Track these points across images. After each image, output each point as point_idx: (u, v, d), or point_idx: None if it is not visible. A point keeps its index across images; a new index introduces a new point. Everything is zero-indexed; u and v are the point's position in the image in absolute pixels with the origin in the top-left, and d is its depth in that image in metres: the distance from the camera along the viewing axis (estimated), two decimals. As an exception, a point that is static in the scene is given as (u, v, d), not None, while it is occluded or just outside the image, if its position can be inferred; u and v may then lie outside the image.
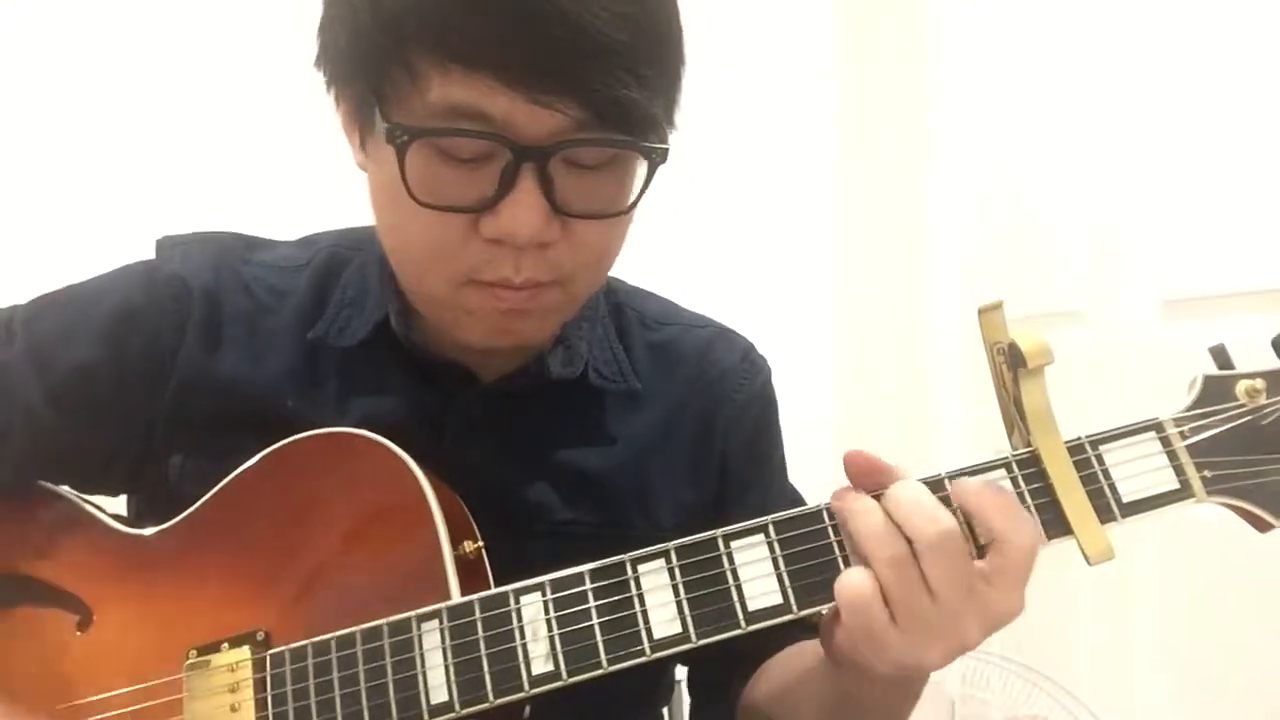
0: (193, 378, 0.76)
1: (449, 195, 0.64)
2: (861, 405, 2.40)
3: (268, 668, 0.65)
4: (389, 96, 0.63)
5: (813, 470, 0.94)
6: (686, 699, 0.92)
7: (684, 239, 2.12)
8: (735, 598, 0.60)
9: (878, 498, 0.59)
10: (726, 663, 0.81)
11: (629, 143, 0.65)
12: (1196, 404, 0.61)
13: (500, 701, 0.61)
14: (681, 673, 0.91)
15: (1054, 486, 0.60)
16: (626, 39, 0.61)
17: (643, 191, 0.68)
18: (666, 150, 0.67)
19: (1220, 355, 0.62)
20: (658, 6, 0.64)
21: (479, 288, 0.67)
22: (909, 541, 0.57)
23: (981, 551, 0.58)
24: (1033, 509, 0.60)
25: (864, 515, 0.58)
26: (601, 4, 0.60)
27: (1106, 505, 0.60)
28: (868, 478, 0.61)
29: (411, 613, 0.63)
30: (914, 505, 0.58)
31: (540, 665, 0.61)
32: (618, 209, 0.68)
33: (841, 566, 0.60)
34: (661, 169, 0.68)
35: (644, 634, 0.60)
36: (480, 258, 0.66)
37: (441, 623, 0.63)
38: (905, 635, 0.57)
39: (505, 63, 0.60)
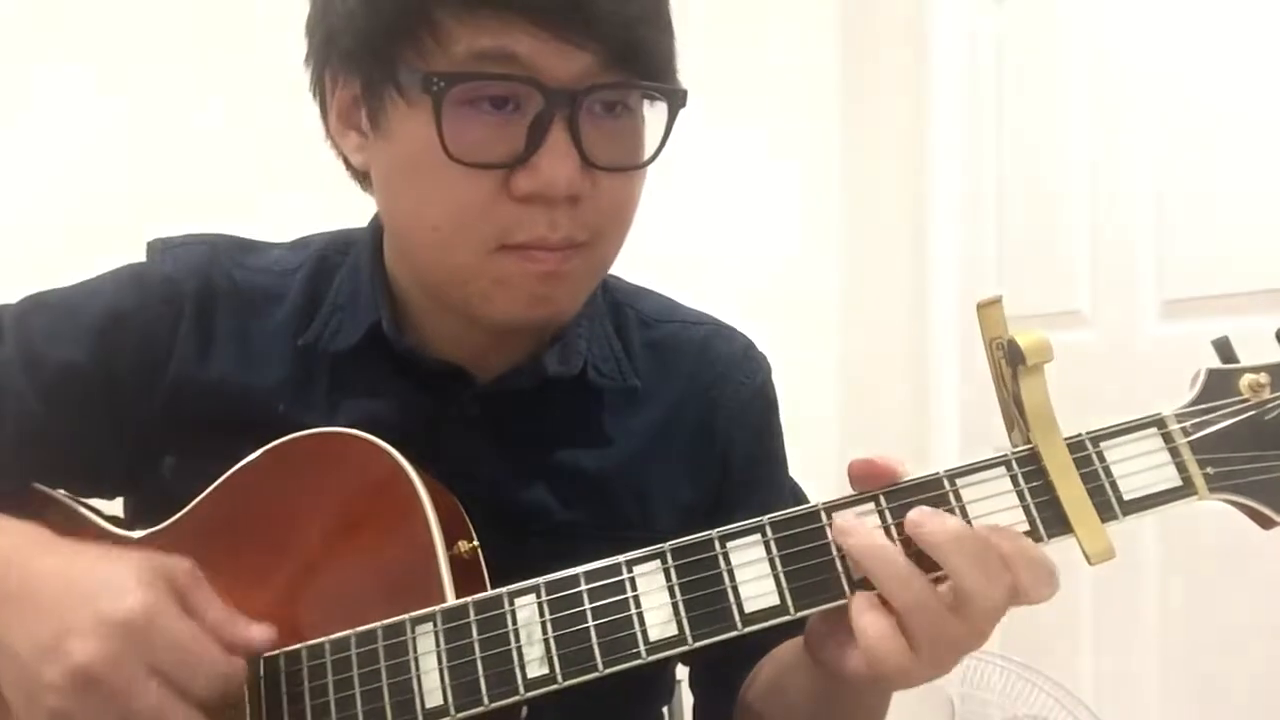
0: (184, 380, 0.75)
1: (480, 153, 0.65)
2: (861, 402, 2.39)
3: (262, 671, 0.65)
4: (413, 61, 0.64)
5: (814, 468, 0.93)
6: (687, 698, 0.92)
7: (682, 236, 2.11)
8: (731, 599, 0.59)
9: (894, 530, 0.59)
10: (727, 658, 0.80)
11: (654, 86, 0.68)
12: (1199, 399, 0.60)
13: (495, 705, 0.60)
14: (682, 672, 0.90)
15: (1054, 484, 0.59)
16: None
17: (664, 140, 0.70)
18: (686, 93, 0.69)
19: (1223, 348, 0.61)
20: None
21: (512, 253, 0.67)
22: (938, 578, 0.57)
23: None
24: (1032, 507, 0.59)
25: (882, 559, 0.57)
26: None
27: (1107, 503, 0.59)
28: (871, 481, 0.60)
29: (406, 616, 0.63)
30: (966, 553, 0.56)
31: (535, 668, 0.60)
32: (640, 160, 0.70)
33: (839, 567, 0.59)
34: (660, 164, 0.71)
35: (640, 636, 0.60)
36: (511, 218, 0.66)
37: (436, 625, 0.62)
38: (925, 659, 0.57)
39: (530, 3, 0.62)
